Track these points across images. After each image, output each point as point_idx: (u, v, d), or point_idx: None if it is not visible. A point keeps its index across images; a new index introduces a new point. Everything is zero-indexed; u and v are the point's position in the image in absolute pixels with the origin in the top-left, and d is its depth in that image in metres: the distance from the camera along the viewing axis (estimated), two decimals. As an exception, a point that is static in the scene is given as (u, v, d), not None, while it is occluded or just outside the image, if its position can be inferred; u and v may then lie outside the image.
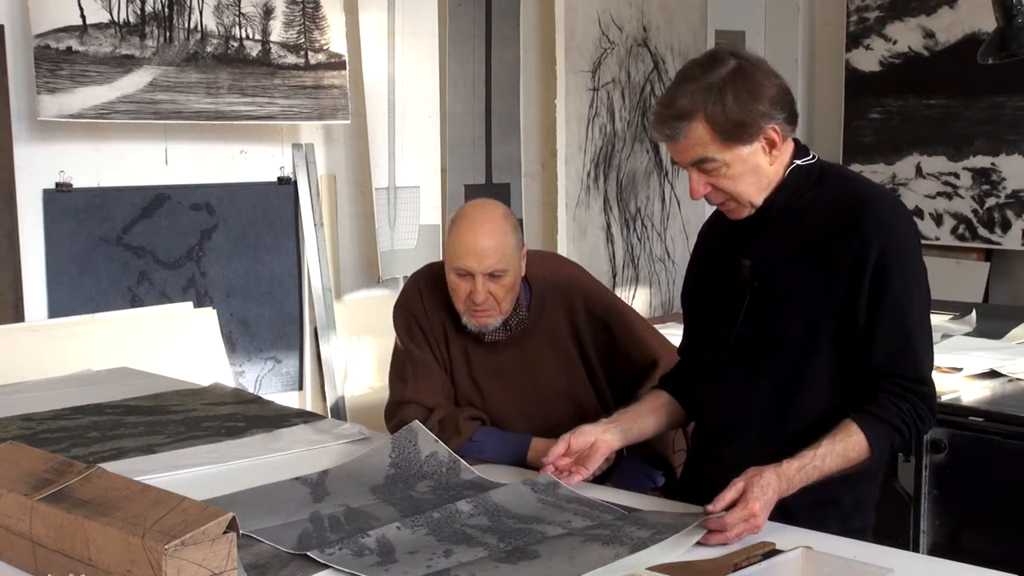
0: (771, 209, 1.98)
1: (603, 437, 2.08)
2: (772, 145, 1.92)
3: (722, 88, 1.87)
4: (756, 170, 1.93)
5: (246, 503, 1.93)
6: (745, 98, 1.87)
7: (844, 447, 1.84)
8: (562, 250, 4.83)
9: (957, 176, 5.37)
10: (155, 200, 3.93)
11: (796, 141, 1.99)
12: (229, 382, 3.70)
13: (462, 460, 2.12)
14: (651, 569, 1.61)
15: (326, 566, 1.66)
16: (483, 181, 4.78)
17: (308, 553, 1.70)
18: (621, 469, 2.43)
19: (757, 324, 2.00)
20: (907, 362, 1.90)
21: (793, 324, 1.96)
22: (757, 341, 2.00)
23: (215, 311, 3.97)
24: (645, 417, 2.16)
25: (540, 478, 2.01)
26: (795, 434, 1.91)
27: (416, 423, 2.19)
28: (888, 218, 1.92)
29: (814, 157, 2.01)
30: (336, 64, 4.18)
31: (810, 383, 1.95)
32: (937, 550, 2.63)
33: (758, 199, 1.96)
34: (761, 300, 1.99)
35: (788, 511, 1.84)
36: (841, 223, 1.93)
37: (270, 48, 4.01)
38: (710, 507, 1.75)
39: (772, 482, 1.77)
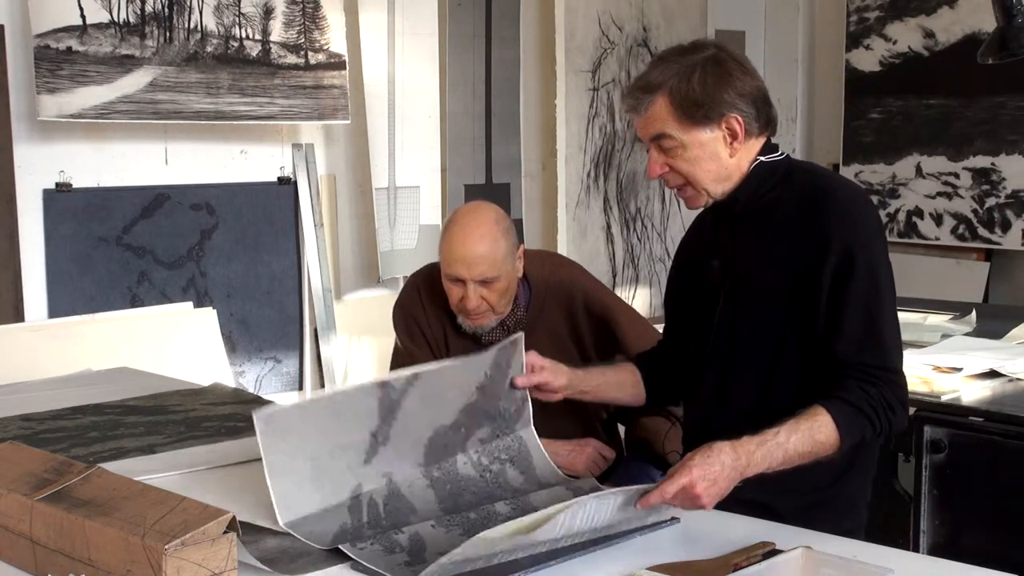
0: (735, 206, 1.98)
1: (561, 382, 2.02)
2: (734, 136, 1.92)
3: (691, 69, 1.90)
4: (714, 158, 1.93)
5: (308, 422, 1.80)
6: (711, 82, 1.89)
7: (809, 426, 1.78)
8: (562, 250, 4.83)
9: (957, 176, 5.38)
10: (155, 200, 3.93)
11: (767, 140, 1.99)
12: (229, 382, 3.69)
13: (529, 407, 1.98)
14: (651, 569, 1.61)
15: (335, 561, 1.67)
16: (483, 181, 4.78)
17: (340, 547, 1.68)
18: (621, 469, 2.44)
19: (732, 324, 1.99)
20: (873, 351, 1.87)
21: (765, 321, 1.95)
22: (733, 341, 1.99)
23: (215, 311, 3.97)
24: (611, 388, 2.15)
25: (582, 483, 1.99)
26: None
27: (521, 334, 1.99)
28: (850, 211, 1.91)
29: (782, 154, 2.01)
30: (336, 64, 4.18)
31: (786, 380, 1.94)
32: (937, 550, 2.63)
33: (715, 189, 1.96)
34: (734, 299, 1.99)
35: (778, 513, 1.83)
36: (803, 217, 1.92)
37: (270, 48, 4.01)
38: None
39: (722, 455, 1.69)
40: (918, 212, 5.49)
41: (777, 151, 2.00)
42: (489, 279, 2.29)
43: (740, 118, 1.91)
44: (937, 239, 5.44)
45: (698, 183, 1.95)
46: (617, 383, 2.17)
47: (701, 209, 2.08)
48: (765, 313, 1.95)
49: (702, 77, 1.89)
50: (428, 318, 2.45)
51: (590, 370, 2.14)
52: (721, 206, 1.99)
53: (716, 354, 2.02)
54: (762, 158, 1.97)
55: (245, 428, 2.49)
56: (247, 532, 1.64)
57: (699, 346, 2.05)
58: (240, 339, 4.15)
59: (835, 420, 1.79)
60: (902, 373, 1.91)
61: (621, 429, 2.57)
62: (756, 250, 1.98)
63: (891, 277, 1.94)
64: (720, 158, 1.93)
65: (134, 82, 3.68)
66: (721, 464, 1.69)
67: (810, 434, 1.78)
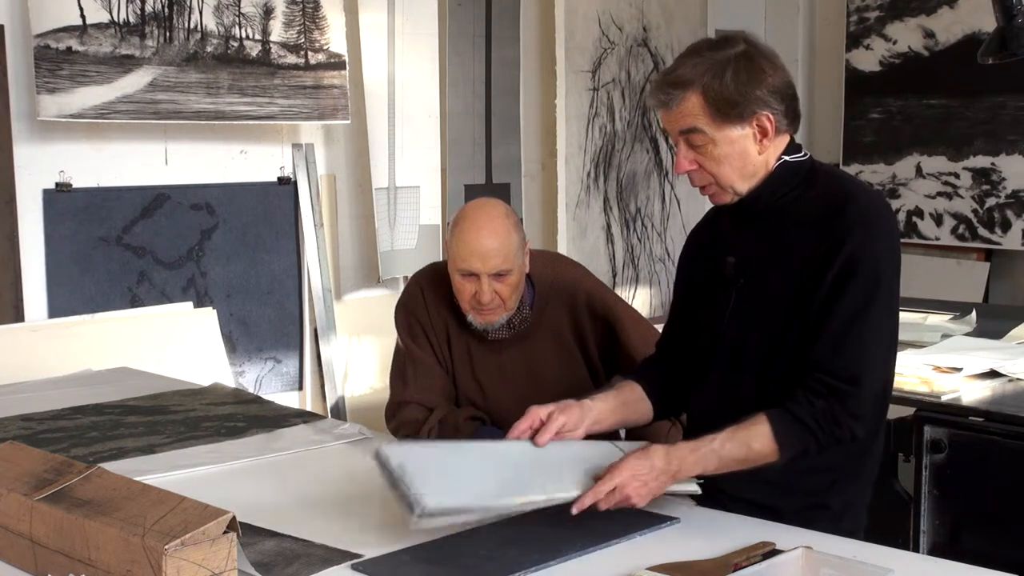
0: (757, 204, 1.97)
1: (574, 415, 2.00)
2: (764, 134, 1.92)
3: (724, 65, 1.89)
4: (743, 155, 1.92)
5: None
6: (744, 79, 1.89)
7: (746, 435, 1.82)
8: (562, 250, 4.83)
9: (957, 176, 5.37)
10: (155, 200, 3.93)
11: (791, 139, 1.99)
12: (229, 382, 3.70)
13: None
14: (651, 569, 1.61)
15: (332, 564, 1.68)
16: (483, 181, 4.78)
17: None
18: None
19: (742, 321, 1.99)
20: (843, 360, 1.85)
21: (774, 321, 1.95)
22: (742, 338, 1.99)
23: (215, 311, 3.97)
24: (619, 409, 2.10)
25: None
26: None
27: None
28: (866, 217, 1.90)
29: (806, 155, 2.00)
30: (336, 64, 4.18)
31: (789, 378, 1.92)
32: (937, 550, 2.63)
33: (741, 186, 1.95)
34: (746, 297, 1.99)
35: (777, 513, 1.83)
36: (821, 220, 1.92)
37: (270, 48, 4.01)
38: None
39: (655, 458, 1.78)
40: (918, 212, 5.49)
41: (800, 151, 1.99)
42: (503, 272, 2.30)
43: (771, 116, 1.91)
44: (937, 239, 5.44)
45: (725, 180, 1.94)
46: (623, 403, 2.11)
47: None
48: (774, 312, 1.95)
49: (735, 74, 1.88)
50: (431, 317, 2.46)
51: (595, 397, 2.08)
52: (742, 203, 1.98)
53: (724, 349, 2.02)
54: (787, 157, 1.96)
55: (245, 428, 2.50)
56: (245, 533, 1.64)
57: (706, 340, 2.05)
58: (240, 339, 4.15)
59: (773, 431, 1.82)
60: (864, 386, 1.86)
61: (622, 431, 2.57)
62: (772, 249, 1.97)
63: (895, 287, 1.91)
64: (749, 155, 1.93)
65: (134, 82, 3.68)
66: (651, 467, 1.77)
67: (746, 442, 1.83)
